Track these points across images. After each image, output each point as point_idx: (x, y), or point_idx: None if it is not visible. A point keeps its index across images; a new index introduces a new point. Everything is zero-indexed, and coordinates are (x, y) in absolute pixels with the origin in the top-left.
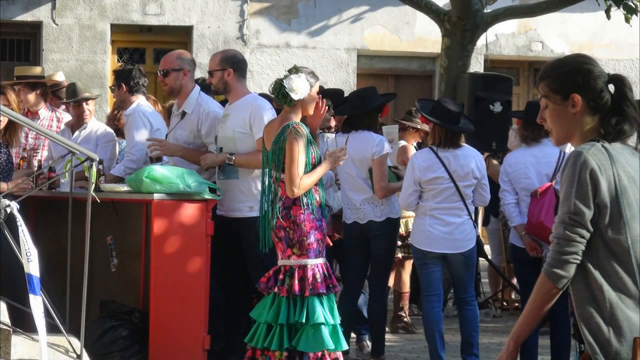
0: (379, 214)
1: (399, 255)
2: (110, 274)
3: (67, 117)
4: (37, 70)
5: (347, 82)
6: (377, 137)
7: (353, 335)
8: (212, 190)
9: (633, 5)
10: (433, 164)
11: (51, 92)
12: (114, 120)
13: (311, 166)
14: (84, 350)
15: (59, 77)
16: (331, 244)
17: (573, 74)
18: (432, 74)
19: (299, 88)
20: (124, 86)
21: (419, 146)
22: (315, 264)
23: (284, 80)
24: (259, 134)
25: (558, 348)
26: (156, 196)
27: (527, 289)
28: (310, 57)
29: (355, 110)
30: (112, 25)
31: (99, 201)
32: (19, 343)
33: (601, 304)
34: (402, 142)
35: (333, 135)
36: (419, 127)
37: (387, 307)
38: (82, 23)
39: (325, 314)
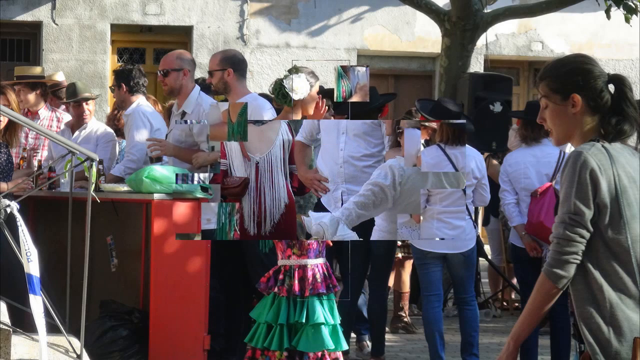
0: None
1: (399, 255)
2: (110, 274)
3: (67, 117)
4: (37, 70)
5: None
6: None
7: (353, 335)
8: (204, 189)
9: (633, 5)
10: (441, 161)
11: (51, 92)
12: (114, 120)
13: None
14: (84, 350)
15: (59, 77)
16: (331, 244)
17: (573, 74)
18: (432, 74)
19: (299, 88)
20: (124, 86)
21: (427, 143)
22: (315, 264)
23: (284, 80)
24: None
25: (558, 348)
26: (156, 196)
27: (527, 289)
28: (310, 57)
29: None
30: (112, 25)
31: (99, 201)
32: (19, 343)
33: (601, 304)
34: None
35: None
36: (426, 124)
37: (387, 307)
38: (82, 23)
39: (325, 314)
